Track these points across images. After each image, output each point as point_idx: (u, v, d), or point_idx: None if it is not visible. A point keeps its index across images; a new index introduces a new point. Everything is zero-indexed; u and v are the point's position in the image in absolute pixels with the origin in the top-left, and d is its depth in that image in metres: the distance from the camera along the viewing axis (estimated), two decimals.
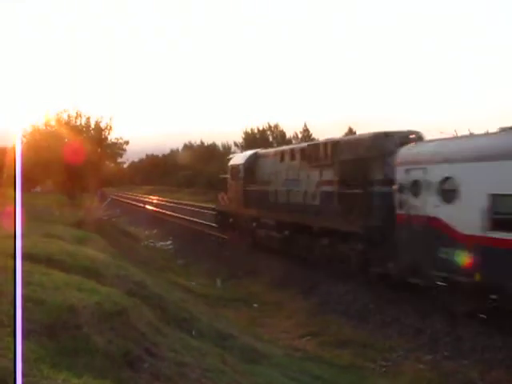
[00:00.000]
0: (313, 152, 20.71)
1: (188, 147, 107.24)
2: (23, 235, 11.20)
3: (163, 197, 73.57)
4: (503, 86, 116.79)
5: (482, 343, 12.37)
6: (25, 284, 6.37)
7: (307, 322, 16.09)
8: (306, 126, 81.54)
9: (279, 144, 79.96)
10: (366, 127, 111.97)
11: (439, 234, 13.82)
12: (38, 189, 44.67)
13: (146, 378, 5.36)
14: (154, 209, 58.62)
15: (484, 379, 11.04)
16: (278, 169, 23.88)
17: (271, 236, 24.29)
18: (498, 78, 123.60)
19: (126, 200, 76.81)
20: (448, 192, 13.72)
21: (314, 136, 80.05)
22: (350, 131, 77.19)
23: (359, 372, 12.02)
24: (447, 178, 13.78)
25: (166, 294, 11.26)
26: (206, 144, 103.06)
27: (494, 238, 12.17)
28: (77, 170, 30.61)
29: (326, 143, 20.10)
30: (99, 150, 34.58)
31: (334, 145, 19.34)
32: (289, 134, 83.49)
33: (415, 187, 14.82)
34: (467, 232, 12.91)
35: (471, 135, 15.03)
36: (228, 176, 29.05)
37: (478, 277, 12.66)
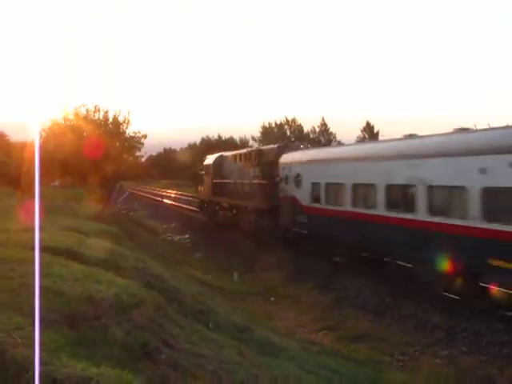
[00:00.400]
0: (249, 156, 29.61)
1: (206, 141, 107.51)
2: (43, 228, 11.37)
3: (181, 191, 73.80)
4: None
5: (499, 339, 12.30)
6: (45, 275, 6.46)
7: (324, 316, 16.10)
8: (323, 119, 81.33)
9: (297, 138, 79.97)
10: (384, 121, 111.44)
11: (295, 206, 23.19)
12: (57, 183, 44.95)
13: (164, 369, 5.40)
14: (172, 203, 58.85)
15: (503, 375, 10.96)
16: (232, 167, 32.58)
17: (226, 215, 34.50)
18: None
19: (143, 194, 77.12)
20: (298, 181, 23.07)
21: (331, 130, 79.94)
22: (368, 125, 77.11)
23: (376, 366, 11.97)
24: (298, 174, 23.16)
25: (183, 287, 11.33)
26: (223, 138, 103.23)
27: (313, 207, 21.72)
28: (95, 164, 30.78)
29: (255, 150, 29.67)
30: (117, 143, 34.74)
31: (259, 152, 28.65)
32: (306, 128, 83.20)
33: (286, 179, 24.27)
34: (305, 204, 22.46)
35: (310, 147, 27.41)
36: (203, 172, 38.07)
37: (308, 230, 22.29)
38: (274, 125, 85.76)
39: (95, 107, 34.10)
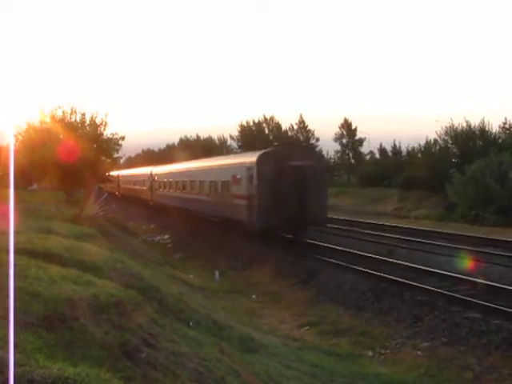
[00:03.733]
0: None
1: (184, 142, 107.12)
2: (20, 231, 11.19)
3: None
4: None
5: (478, 329, 12.46)
6: (22, 278, 6.40)
7: (305, 311, 16.16)
8: (301, 117, 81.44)
9: (275, 136, 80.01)
10: (361, 117, 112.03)
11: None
12: (35, 186, 44.45)
13: (143, 368, 5.38)
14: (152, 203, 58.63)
15: (482, 364, 11.10)
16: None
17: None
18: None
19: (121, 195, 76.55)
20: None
21: (310, 127, 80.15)
22: (346, 122, 77.48)
23: (358, 360, 12.06)
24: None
25: (163, 286, 11.28)
26: (202, 138, 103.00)
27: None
28: (73, 167, 30.48)
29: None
30: (95, 145, 34.41)
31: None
32: (284, 126, 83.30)
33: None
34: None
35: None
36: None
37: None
38: (252, 123, 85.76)
39: (72, 109, 33.74)
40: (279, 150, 32.69)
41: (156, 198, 47.26)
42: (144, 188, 52.47)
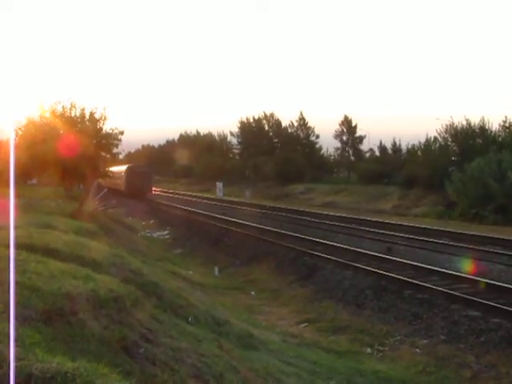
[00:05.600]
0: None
1: (184, 137, 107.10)
2: (20, 226, 11.16)
3: (160, 187, 73.71)
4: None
5: (477, 327, 12.48)
6: (21, 272, 6.38)
7: (304, 308, 16.17)
8: (301, 114, 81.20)
9: (274, 133, 79.95)
10: (361, 117, 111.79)
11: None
12: (35, 181, 44.45)
13: (142, 363, 5.38)
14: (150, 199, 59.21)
15: (480, 362, 11.13)
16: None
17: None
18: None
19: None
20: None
21: (309, 124, 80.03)
22: (346, 119, 77.35)
23: (356, 357, 12.07)
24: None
25: (162, 282, 11.27)
26: (201, 134, 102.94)
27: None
28: (72, 162, 30.42)
29: None
30: (94, 141, 34.33)
31: None
32: (285, 123, 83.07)
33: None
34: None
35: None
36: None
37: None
38: (252, 120, 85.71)
39: (71, 104, 33.64)
40: (135, 164, 66.71)
41: (108, 184, 69.93)
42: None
